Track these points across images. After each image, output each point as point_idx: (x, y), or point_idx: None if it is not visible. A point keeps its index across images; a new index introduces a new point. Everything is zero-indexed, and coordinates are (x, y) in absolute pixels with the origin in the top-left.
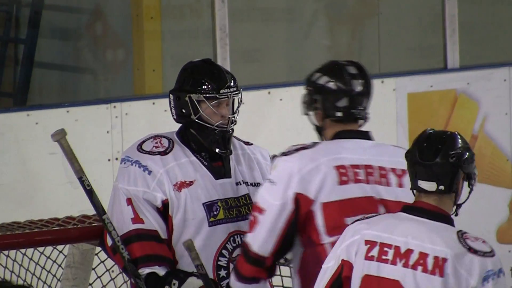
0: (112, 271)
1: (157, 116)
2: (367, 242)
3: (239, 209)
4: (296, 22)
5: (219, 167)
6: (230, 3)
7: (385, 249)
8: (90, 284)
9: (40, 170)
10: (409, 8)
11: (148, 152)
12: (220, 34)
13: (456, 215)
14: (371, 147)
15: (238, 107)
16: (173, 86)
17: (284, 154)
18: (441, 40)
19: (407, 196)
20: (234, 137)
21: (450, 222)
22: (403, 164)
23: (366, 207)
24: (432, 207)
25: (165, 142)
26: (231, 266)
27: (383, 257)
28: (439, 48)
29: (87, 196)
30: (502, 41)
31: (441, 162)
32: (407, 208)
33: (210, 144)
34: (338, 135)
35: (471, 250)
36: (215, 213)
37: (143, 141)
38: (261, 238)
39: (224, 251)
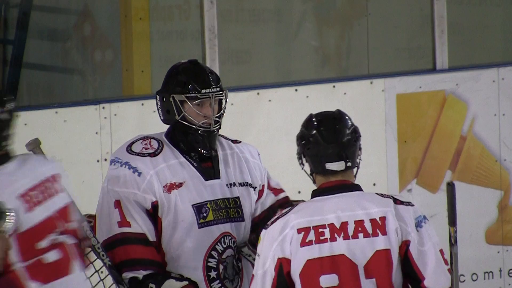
0: (101, 272)
1: (146, 117)
2: (300, 230)
3: (228, 210)
4: (284, 23)
5: (208, 168)
6: (218, 4)
7: (321, 230)
8: None
9: None
10: (398, 9)
11: (138, 154)
12: (208, 35)
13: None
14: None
15: (223, 108)
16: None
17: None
18: (430, 41)
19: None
20: (222, 136)
21: (361, 189)
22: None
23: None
24: (344, 181)
25: (155, 144)
26: (221, 267)
27: (321, 237)
28: (427, 49)
29: None
30: (490, 42)
31: (344, 141)
32: (322, 191)
33: (194, 145)
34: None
35: (398, 202)
36: (204, 214)
37: (132, 143)
38: None
39: (213, 253)
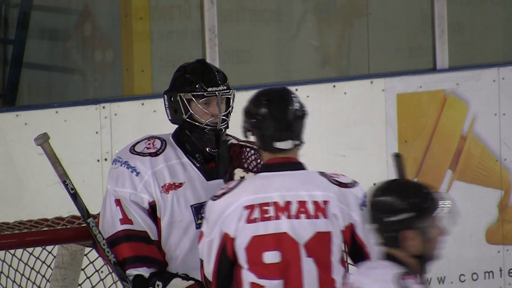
0: (101, 272)
1: (146, 117)
2: (246, 207)
3: None
4: (285, 23)
5: (212, 168)
6: (219, 4)
7: (265, 208)
8: (79, 285)
9: (29, 170)
10: (398, 9)
11: (139, 153)
12: (209, 34)
13: None
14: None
15: (231, 105)
16: (162, 86)
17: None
18: (430, 41)
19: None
20: (229, 135)
21: (305, 168)
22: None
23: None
24: (287, 159)
25: (158, 144)
26: None
27: (265, 215)
28: (428, 48)
29: (71, 199)
30: (491, 41)
31: (292, 120)
32: (269, 167)
33: (201, 144)
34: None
35: (342, 185)
36: (203, 215)
37: (137, 142)
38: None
39: None
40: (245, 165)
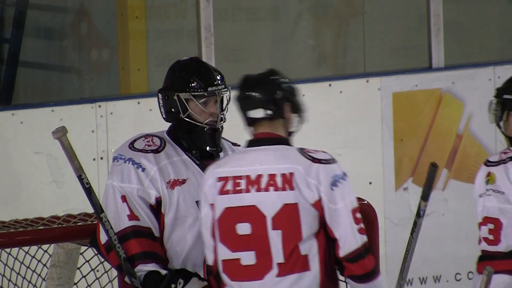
0: (97, 271)
1: (142, 115)
2: (220, 179)
3: None
4: (281, 22)
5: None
6: (215, 3)
7: (238, 181)
8: (75, 284)
9: (25, 169)
10: (394, 8)
11: (141, 150)
12: (205, 33)
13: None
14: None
15: (227, 104)
16: (158, 85)
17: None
18: (426, 40)
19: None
20: (223, 138)
21: (289, 144)
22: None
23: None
24: (268, 134)
25: (157, 141)
26: None
27: (237, 188)
28: (424, 47)
29: (85, 194)
30: (487, 40)
31: (265, 89)
32: (249, 143)
33: (200, 143)
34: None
35: (315, 160)
36: None
37: (134, 140)
38: None
39: None
40: None
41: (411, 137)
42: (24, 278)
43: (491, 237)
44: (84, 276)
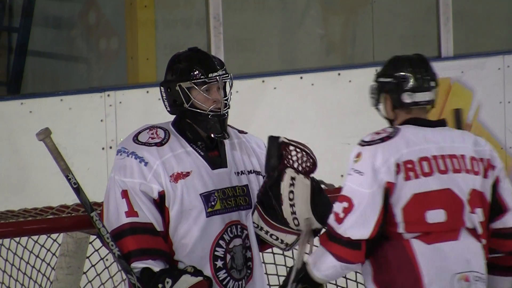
0: (106, 260)
1: (151, 105)
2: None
3: (236, 199)
4: (289, 11)
5: (215, 156)
6: None
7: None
8: (84, 273)
9: (34, 158)
10: None
11: (144, 143)
12: (214, 23)
13: None
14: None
15: (230, 90)
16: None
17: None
18: (435, 29)
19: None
20: (229, 125)
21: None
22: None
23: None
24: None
25: (161, 133)
26: (228, 256)
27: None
28: (433, 36)
29: (75, 194)
30: (496, 29)
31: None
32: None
33: (206, 130)
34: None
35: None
36: (212, 203)
37: (139, 132)
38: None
39: (221, 242)
40: (295, 166)
41: None
42: (33, 267)
43: (341, 215)
44: (93, 265)
